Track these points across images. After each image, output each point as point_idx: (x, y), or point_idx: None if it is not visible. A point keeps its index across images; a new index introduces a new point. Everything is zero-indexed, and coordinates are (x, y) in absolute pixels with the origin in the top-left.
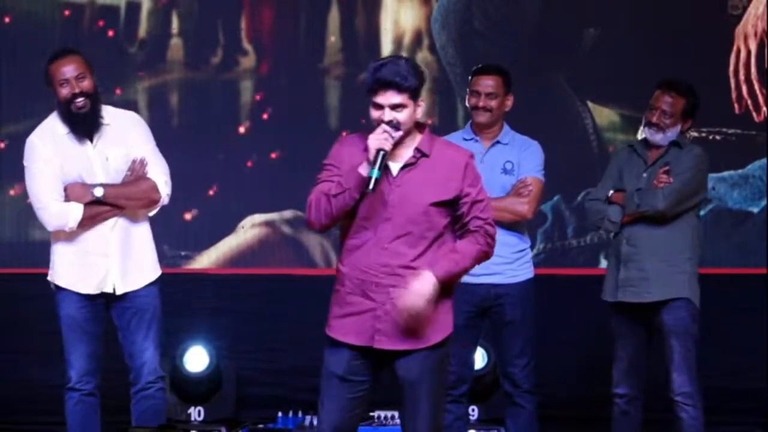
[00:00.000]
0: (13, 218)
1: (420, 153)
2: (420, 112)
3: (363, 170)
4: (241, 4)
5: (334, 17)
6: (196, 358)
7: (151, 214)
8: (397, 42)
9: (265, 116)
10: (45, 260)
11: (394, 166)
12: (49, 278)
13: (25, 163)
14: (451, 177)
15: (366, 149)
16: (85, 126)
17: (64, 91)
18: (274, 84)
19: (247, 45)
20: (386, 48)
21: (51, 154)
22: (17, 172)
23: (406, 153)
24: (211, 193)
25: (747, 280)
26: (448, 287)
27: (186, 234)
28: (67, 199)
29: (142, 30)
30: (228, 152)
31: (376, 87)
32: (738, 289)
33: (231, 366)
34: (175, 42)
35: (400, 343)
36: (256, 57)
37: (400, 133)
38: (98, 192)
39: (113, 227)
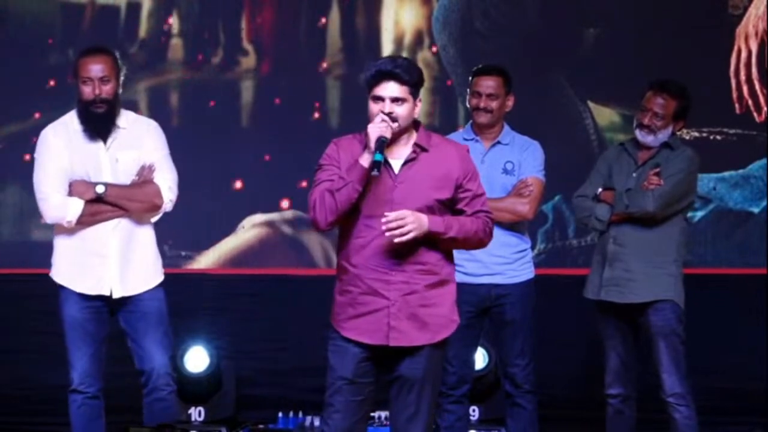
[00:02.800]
0: (13, 218)
1: (419, 148)
2: (418, 112)
3: (364, 161)
4: (241, 4)
5: (334, 17)
6: (196, 358)
7: (154, 219)
8: (398, 42)
9: (265, 116)
10: (45, 260)
11: (395, 164)
12: (51, 274)
13: (35, 155)
14: (451, 171)
15: (364, 145)
16: (98, 127)
17: (86, 90)
18: (274, 84)
19: (247, 45)
20: (386, 48)
21: (61, 148)
22: (17, 172)
23: (405, 150)
24: (211, 193)
25: (747, 280)
26: (448, 280)
27: (186, 234)
28: (70, 194)
29: (142, 30)
30: (228, 152)
31: (377, 78)
32: (738, 289)
33: (231, 366)
34: (175, 42)
35: (414, 339)
36: (256, 57)
37: (398, 125)
38: (100, 189)
39: (114, 228)
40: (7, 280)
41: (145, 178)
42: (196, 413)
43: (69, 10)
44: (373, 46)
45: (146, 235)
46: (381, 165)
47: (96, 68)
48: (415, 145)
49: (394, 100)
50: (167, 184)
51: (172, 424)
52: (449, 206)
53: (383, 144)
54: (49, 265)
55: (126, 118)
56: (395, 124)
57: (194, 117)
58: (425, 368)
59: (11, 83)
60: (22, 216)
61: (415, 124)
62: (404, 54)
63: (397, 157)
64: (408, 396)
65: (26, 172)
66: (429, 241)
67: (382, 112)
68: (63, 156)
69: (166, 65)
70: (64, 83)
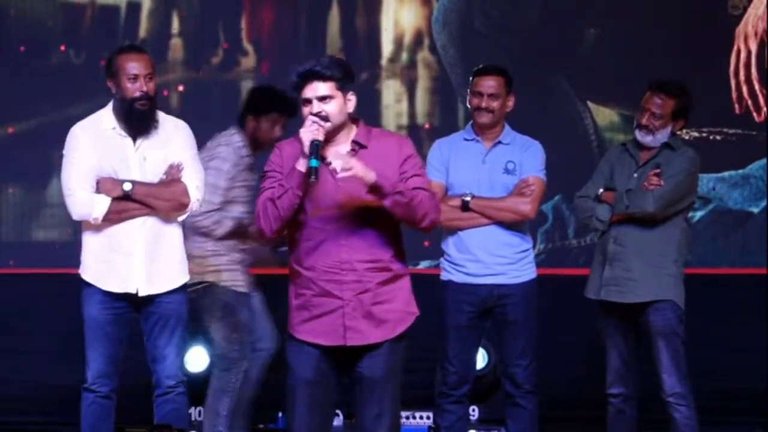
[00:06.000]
0: (13, 218)
1: (358, 145)
2: (351, 106)
3: (300, 166)
4: (242, 4)
5: (334, 17)
6: (196, 358)
7: (181, 218)
8: (397, 42)
9: None
10: (45, 260)
11: (336, 164)
12: (79, 272)
13: (64, 152)
14: (391, 160)
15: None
16: (140, 124)
17: (132, 87)
18: (274, 84)
19: (247, 45)
20: (386, 48)
21: (89, 146)
22: (17, 172)
23: (345, 148)
24: None
25: (747, 280)
26: (401, 275)
27: None
28: (98, 191)
29: (143, 30)
30: None
31: (300, 82)
32: (738, 289)
33: None
34: (176, 42)
35: (371, 337)
36: (256, 57)
37: (329, 125)
38: (127, 186)
39: (141, 227)
40: (7, 280)
41: (172, 177)
42: (196, 413)
43: (69, 10)
44: (373, 46)
45: (173, 234)
46: (318, 171)
47: (142, 65)
48: (353, 142)
49: (321, 98)
50: (195, 183)
51: (169, 425)
52: None
53: (318, 147)
54: (48, 265)
55: (158, 117)
56: (327, 124)
57: (194, 117)
58: (386, 365)
59: (11, 83)
60: (22, 216)
61: (354, 120)
62: (404, 54)
63: (338, 157)
64: (371, 396)
65: (26, 172)
66: (379, 226)
67: (311, 114)
68: (90, 153)
69: (167, 65)
70: (64, 83)
